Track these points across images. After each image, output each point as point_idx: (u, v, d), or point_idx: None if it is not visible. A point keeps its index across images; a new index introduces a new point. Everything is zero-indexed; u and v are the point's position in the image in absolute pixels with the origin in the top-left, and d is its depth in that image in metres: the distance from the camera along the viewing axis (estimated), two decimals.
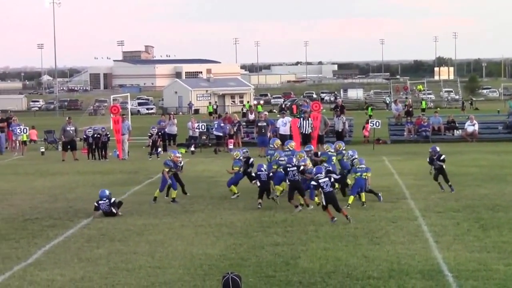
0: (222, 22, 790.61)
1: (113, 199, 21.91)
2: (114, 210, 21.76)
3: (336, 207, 20.20)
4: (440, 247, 17.10)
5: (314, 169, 21.39)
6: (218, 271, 15.22)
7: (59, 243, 18.42)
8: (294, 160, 22.67)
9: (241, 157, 25.22)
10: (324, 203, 20.31)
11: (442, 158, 25.03)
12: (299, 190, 22.27)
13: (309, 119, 38.76)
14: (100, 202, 21.76)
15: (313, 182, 20.83)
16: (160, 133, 42.69)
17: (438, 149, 25.38)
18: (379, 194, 23.59)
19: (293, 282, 14.51)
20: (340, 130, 41.94)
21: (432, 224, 19.81)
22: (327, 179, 20.54)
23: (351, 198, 22.62)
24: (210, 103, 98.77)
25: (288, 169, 22.38)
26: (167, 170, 24.00)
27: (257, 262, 16.00)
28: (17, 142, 44.77)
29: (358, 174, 23.02)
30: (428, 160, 25.55)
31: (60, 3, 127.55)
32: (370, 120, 46.10)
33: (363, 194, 22.76)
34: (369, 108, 75.85)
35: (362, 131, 49.09)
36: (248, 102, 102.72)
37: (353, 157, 24.28)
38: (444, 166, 25.04)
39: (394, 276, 14.74)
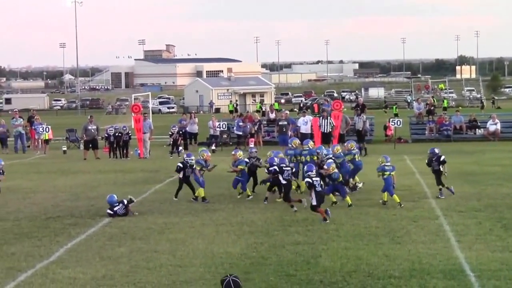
0: (243, 20, 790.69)
1: (124, 200, 21.93)
2: (130, 211, 21.84)
3: (315, 207, 20.40)
4: (462, 247, 17.04)
5: (306, 167, 21.53)
6: (239, 270, 15.24)
7: (81, 241, 18.49)
8: (286, 161, 23.00)
9: (248, 157, 25.09)
10: (315, 203, 20.36)
11: (442, 159, 24.22)
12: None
13: (328, 118, 38.81)
14: (115, 208, 21.65)
15: (307, 180, 20.78)
16: (181, 132, 42.77)
17: (437, 150, 24.68)
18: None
19: (314, 281, 14.51)
20: (360, 129, 41.84)
21: (453, 223, 19.74)
22: (319, 178, 20.80)
23: (396, 197, 22.54)
24: (231, 101, 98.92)
25: (283, 168, 22.49)
26: (198, 168, 24.06)
27: (278, 261, 16.01)
28: (40, 140, 44.96)
29: (387, 173, 22.93)
30: (426, 161, 25.10)
31: (82, 2, 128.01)
32: (391, 119, 45.94)
33: (385, 194, 22.68)
34: (394, 107, 75.75)
35: (385, 130, 48.94)
36: (260, 101, 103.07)
37: (327, 156, 24.26)
38: (441, 169, 24.13)
39: (416, 276, 14.70)
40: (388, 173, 22.89)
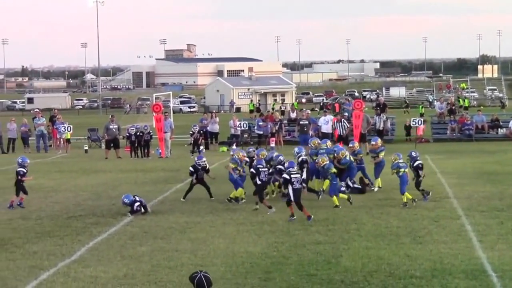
0: (264, 20, 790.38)
1: (137, 198, 22.07)
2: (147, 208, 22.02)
3: (299, 205, 20.50)
4: (483, 247, 16.95)
5: (287, 163, 21.61)
6: (260, 269, 15.26)
7: (102, 240, 18.56)
8: (263, 162, 22.85)
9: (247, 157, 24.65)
10: (291, 198, 20.51)
11: (416, 164, 23.47)
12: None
13: (342, 120, 38.99)
14: (135, 206, 21.76)
15: (284, 175, 20.97)
16: (202, 131, 42.84)
17: (414, 154, 24.03)
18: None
19: (335, 280, 14.49)
20: (381, 128, 41.76)
21: (475, 223, 19.64)
22: (298, 175, 20.94)
23: (404, 196, 22.47)
24: (251, 101, 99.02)
25: (260, 169, 22.44)
26: (233, 167, 23.92)
27: (298, 261, 16.00)
28: (61, 140, 45.17)
29: (402, 170, 22.88)
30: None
31: (104, 2, 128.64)
32: (412, 119, 45.82)
33: (405, 195, 22.59)
34: (420, 106, 75.60)
35: (406, 130, 48.79)
36: (274, 102, 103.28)
37: (299, 154, 24.12)
38: (420, 173, 23.45)
39: (437, 276, 14.65)
40: (403, 170, 22.85)
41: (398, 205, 22.27)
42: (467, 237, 18.07)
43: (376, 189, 25.20)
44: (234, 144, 43.70)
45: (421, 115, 62.76)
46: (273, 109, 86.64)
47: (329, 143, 26.45)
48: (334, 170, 22.87)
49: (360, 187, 24.95)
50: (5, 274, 15.43)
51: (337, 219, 20.40)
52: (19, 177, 23.74)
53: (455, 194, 24.24)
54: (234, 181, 23.77)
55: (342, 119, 39.31)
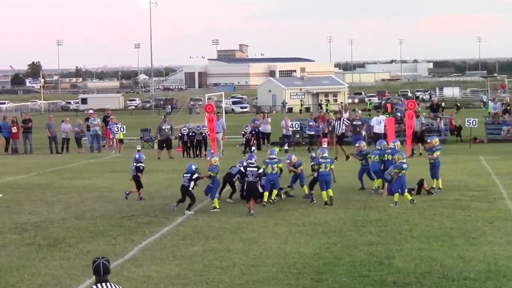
0: (316, 20, 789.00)
1: (195, 175, 22.57)
2: (191, 186, 22.45)
3: (247, 197, 22.17)
4: None
5: (247, 156, 22.39)
6: (312, 270, 15.22)
7: (155, 240, 18.67)
8: (253, 160, 23.24)
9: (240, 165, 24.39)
10: (244, 193, 22.07)
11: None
12: (254, 192, 22.76)
13: (341, 119, 38.53)
14: (184, 175, 22.75)
15: (241, 168, 22.87)
16: (254, 132, 42.87)
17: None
18: None
19: (387, 282, 14.40)
20: (417, 130, 40.96)
21: None
22: (255, 169, 22.42)
23: (398, 195, 22.58)
24: (301, 101, 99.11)
25: (248, 169, 22.88)
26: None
27: (351, 262, 15.93)
28: (114, 140, 45.54)
29: (404, 171, 22.82)
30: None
31: (157, 3, 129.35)
32: (466, 119, 45.34)
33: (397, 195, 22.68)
34: (488, 106, 74.74)
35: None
36: (327, 102, 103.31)
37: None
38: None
39: (491, 278, 14.48)
40: (405, 171, 22.79)
41: (451, 206, 22.08)
42: None
43: (437, 191, 24.83)
44: (286, 145, 43.62)
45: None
46: (327, 110, 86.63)
47: (397, 143, 26.31)
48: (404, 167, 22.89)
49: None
50: (59, 273, 15.61)
51: (389, 220, 20.29)
52: (139, 173, 24.91)
53: (509, 195, 23.94)
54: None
55: (342, 118, 39.02)
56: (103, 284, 9.74)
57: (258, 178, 22.99)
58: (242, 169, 23.70)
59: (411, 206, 22.10)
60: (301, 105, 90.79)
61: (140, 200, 24.58)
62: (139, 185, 24.99)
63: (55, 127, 46.09)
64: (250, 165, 22.89)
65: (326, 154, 23.76)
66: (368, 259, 16.14)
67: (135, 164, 25.11)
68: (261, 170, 23.09)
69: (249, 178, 22.57)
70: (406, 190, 23.61)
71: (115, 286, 9.76)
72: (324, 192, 22.98)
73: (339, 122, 38.82)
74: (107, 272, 9.87)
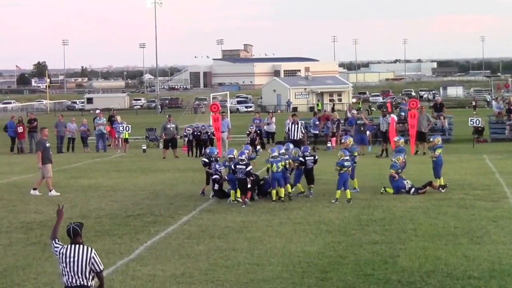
0: (320, 20, 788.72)
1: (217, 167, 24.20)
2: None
3: (245, 192, 23.02)
4: None
5: (227, 151, 22.82)
6: (317, 269, 15.28)
7: (160, 239, 18.73)
8: (244, 156, 23.69)
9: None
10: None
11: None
12: (244, 187, 23.30)
13: (299, 122, 37.84)
14: (213, 167, 24.42)
15: (232, 166, 23.49)
16: (258, 131, 42.93)
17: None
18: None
19: (392, 280, 14.45)
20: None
21: None
22: (244, 166, 22.98)
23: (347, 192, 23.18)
24: (318, 101, 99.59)
25: (237, 166, 23.42)
26: (297, 164, 24.77)
27: (355, 260, 15.99)
28: (120, 139, 45.64)
29: (345, 168, 23.32)
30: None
31: (162, 3, 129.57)
32: (470, 118, 45.33)
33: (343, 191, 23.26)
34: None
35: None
36: (333, 102, 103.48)
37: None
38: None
39: (496, 277, 14.52)
40: (346, 169, 23.29)
41: (455, 205, 22.13)
42: None
43: (444, 190, 24.86)
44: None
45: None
46: (333, 109, 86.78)
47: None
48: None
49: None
50: None
51: (394, 219, 20.34)
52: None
53: None
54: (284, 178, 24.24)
55: (299, 122, 38.13)
56: (73, 245, 10.99)
57: (246, 176, 23.28)
58: (232, 166, 23.84)
59: (411, 205, 22.14)
60: (319, 104, 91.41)
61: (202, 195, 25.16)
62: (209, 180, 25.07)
63: (63, 127, 46.16)
64: (240, 162, 23.37)
65: (275, 154, 24.13)
66: (373, 258, 16.20)
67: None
68: (249, 167, 23.45)
69: (238, 175, 23.16)
70: (413, 190, 23.70)
71: (84, 247, 11.10)
72: (274, 191, 23.69)
73: (296, 126, 37.25)
74: (77, 234, 10.98)
